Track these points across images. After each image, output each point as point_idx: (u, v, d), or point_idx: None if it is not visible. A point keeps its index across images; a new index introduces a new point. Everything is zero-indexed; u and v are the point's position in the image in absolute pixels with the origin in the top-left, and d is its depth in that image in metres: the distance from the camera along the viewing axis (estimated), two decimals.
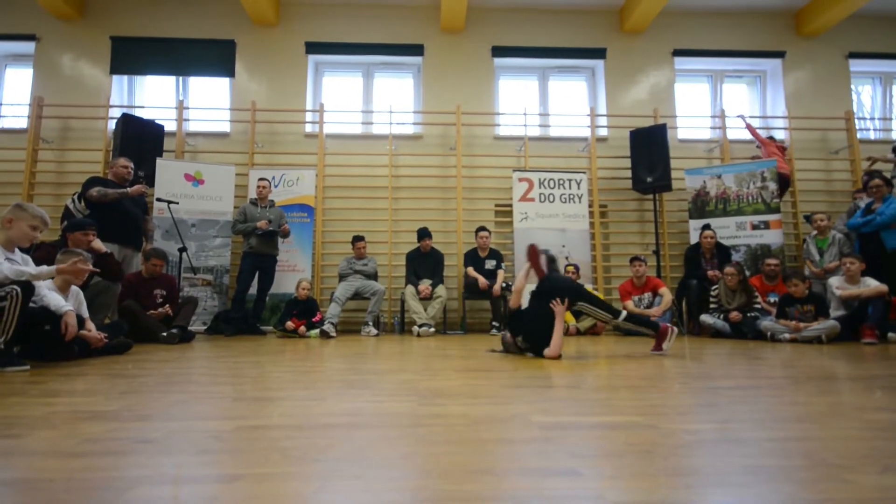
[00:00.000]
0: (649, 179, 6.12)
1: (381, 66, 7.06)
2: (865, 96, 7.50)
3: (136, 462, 0.99)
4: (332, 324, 4.91)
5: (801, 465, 0.98)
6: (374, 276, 5.56)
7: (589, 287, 4.66)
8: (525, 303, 3.32)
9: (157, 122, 5.98)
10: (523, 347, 3.10)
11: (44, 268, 2.62)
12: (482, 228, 5.74)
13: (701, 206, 6.19)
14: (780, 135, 6.88)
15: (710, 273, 5.22)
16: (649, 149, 6.17)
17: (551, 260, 3.36)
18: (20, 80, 6.83)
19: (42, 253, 3.26)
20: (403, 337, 5.08)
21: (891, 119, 7.34)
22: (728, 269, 4.79)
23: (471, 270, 5.58)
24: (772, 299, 4.89)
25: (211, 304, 5.58)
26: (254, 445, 1.12)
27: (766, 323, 4.37)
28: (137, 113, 6.31)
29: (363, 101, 7.04)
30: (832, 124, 6.82)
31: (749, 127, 6.38)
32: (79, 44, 6.58)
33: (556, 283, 3.17)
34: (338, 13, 6.81)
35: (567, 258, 5.86)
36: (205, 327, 5.26)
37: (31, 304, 2.52)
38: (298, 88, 6.73)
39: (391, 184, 6.39)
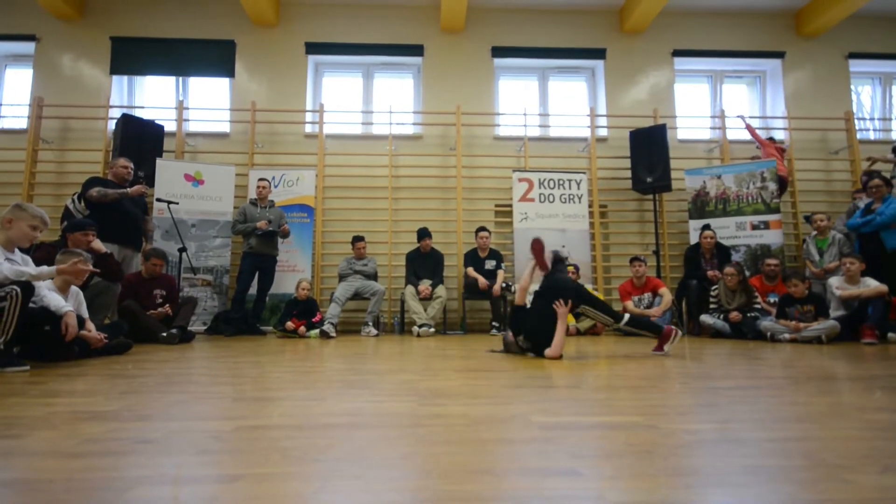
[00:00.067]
0: (649, 180, 6.12)
1: (381, 67, 7.07)
2: (865, 96, 7.51)
3: (136, 462, 0.99)
4: (332, 324, 4.91)
5: (801, 465, 0.98)
6: (373, 277, 5.56)
7: (589, 287, 4.66)
8: (528, 302, 3.32)
9: (156, 122, 5.98)
10: (524, 347, 3.10)
11: (44, 268, 2.62)
12: (482, 228, 5.74)
13: (701, 206, 6.19)
14: (779, 135, 6.88)
15: (709, 273, 5.22)
16: (649, 149, 6.17)
17: (559, 260, 3.37)
18: (20, 81, 6.83)
19: (42, 253, 3.26)
20: (403, 337, 5.08)
21: (890, 119, 7.35)
22: (728, 270, 4.79)
23: (471, 271, 5.58)
24: (772, 299, 4.89)
25: (211, 305, 5.58)
26: (254, 445, 1.11)
27: (766, 323, 4.37)
28: (137, 113, 6.31)
29: (363, 102, 7.04)
30: (832, 124, 6.82)
31: (749, 127, 6.38)
32: (79, 44, 6.58)
33: (559, 284, 3.16)
34: (338, 13, 6.81)
35: (567, 258, 5.85)
36: (205, 327, 5.26)
37: (31, 305, 2.52)
38: (298, 89, 6.74)
39: (391, 184, 6.39)
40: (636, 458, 1.02)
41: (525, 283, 3.34)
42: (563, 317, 2.96)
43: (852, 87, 7.11)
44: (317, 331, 4.85)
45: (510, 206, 6.21)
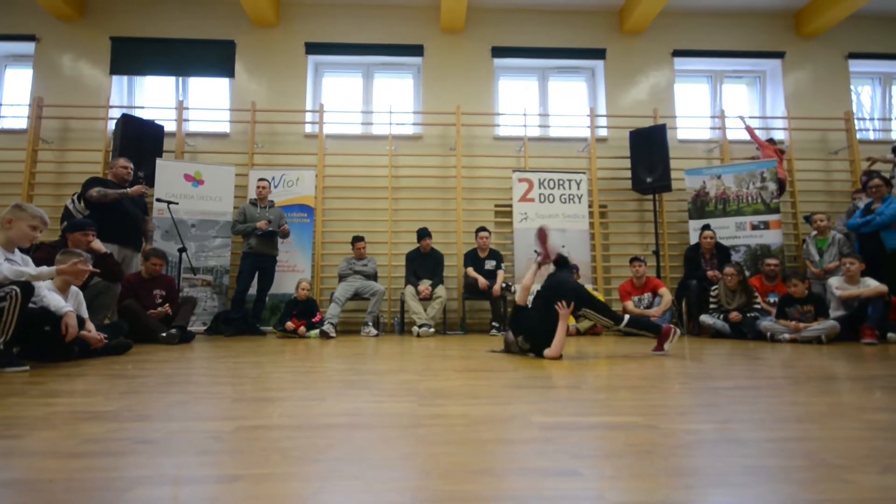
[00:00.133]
0: (649, 180, 6.12)
1: (381, 67, 7.07)
2: (865, 97, 7.51)
3: (136, 462, 0.99)
4: (332, 324, 4.91)
5: (801, 465, 0.98)
6: (373, 277, 5.56)
7: (589, 287, 4.66)
8: (530, 303, 3.32)
9: (156, 122, 5.98)
10: (524, 347, 3.10)
11: (43, 268, 2.62)
12: (482, 229, 5.74)
13: (700, 206, 6.20)
14: (779, 135, 6.89)
15: (709, 273, 5.22)
16: (649, 149, 6.17)
17: (564, 262, 3.38)
18: (20, 81, 6.83)
19: (42, 253, 3.26)
20: (403, 337, 5.08)
21: (890, 119, 7.35)
22: (728, 270, 4.79)
23: (470, 271, 5.58)
24: (771, 299, 4.89)
25: (211, 305, 5.58)
26: (254, 446, 1.11)
27: (766, 323, 4.37)
28: (137, 113, 6.31)
29: (363, 102, 7.04)
30: (832, 125, 6.82)
31: (749, 129, 6.38)
32: (79, 44, 6.58)
33: (561, 285, 3.16)
34: (338, 13, 6.81)
35: (568, 258, 5.85)
36: (205, 328, 5.26)
37: (31, 305, 2.52)
38: (298, 89, 6.74)
39: (391, 184, 6.39)
40: (636, 458, 1.02)
41: (528, 282, 3.34)
42: (565, 318, 2.96)
43: (852, 87, 7.11)
44: (317, 331, 4.85)
45: (510, 206, 6.21)
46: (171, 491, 0.85)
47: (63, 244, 3.59)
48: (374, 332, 5.20)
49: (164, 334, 3.91)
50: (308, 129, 6.64)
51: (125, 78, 6.81)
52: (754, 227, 5.92)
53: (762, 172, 5.95)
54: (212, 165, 6.01)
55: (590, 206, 6.30)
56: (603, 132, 6.90)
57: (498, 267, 5.62)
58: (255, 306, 5.34)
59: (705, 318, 4.88)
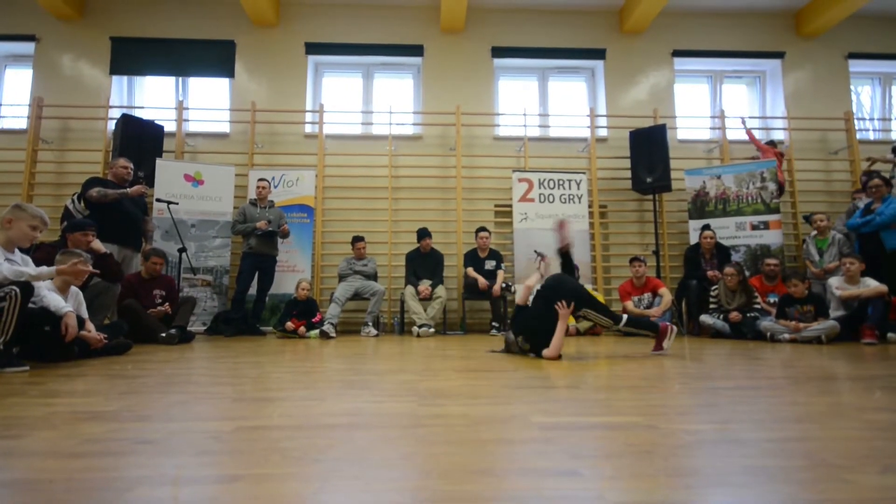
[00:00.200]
0: (649, 180, 6.12)
1: (381, 67, 7.07)
2: (865, 97, 7.51)
3: (136, 463, 0.99)
4: (332, 324, 4.91)
5: (801, 465, 0.98)
6: (373, 277, 5.56)
7: (589, 287, 4.66)
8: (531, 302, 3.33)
9: (156, 122, 5.98)
10: (525, 348, 3.10)
11: (43, 268, 2.62)
12: (482, 229, 5.74)
13: (700, 206, 6.20)
14: (779, 135, 6.89)
15: (709, 273, 5.22)
16: (649, 149, 6.17)
17: (568, 261, 3.40)
18: (20, 81, 6.83)
19: (42, 253, 3.26)
20: (403, 337, 5.08)
21: (890, 119, 7.35)
22: (728, 270, 4.79)
23: (470, 271, 5.58)
24: (771, 300, 4.89)
25: (210, 305, 5.58)
26: (254, 446, 1.11)
27: (766, 323, 4.37)
28: (137, 113, 6.32)
29: (363, 102, 7.04)
30: (832, 125, 6.82)
31: (749, 133, 6.37)
32: (79, 44, 6.58)
33: (561, 285, 3.15)
34: (338, 13, 6.81)
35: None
36: (204, 328, 5.26)
37: (30, 305, 2.52)
38: (298, 89, 6.74)
39: (391, 184, 6.39)
40: (636, 458, 1.02)
41: (532, 282, 3.36)
42: (565, 318, 2.95)
43: (852, 87, 7.11)
44: (317, 331, 4.84)
45: (510, 206, 6.21)
46: (171, 491, 0.85)
47: (63, 244, 3.59)
48: (374, 332, 5.20)
49: (163, 334, 3.91)
50: (308, 129, 6.64)
51: (125, 78, 6.81)
52: (754, 227, 5.92)
53: (762, 172, 5.95)
54: (212, 165, 6.01)
55: (590, 207, 6.30)
56: (603, 132, 6.90)
57: (498, 267, 5.62)
58: (255, 306, 5.34)
59: (705, 318, 4.88)
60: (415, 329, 5.11)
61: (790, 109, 6.87)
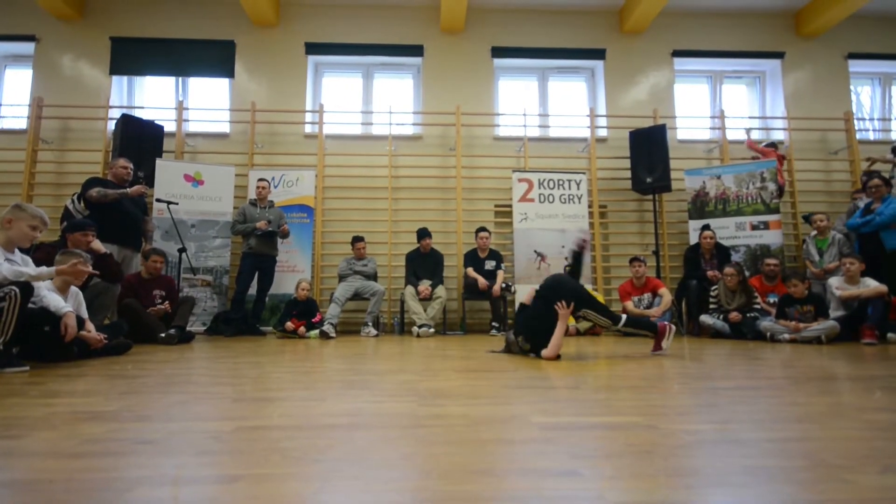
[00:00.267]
0: (649, 180, 6.12)
1: (381, 67, 7.07)
2: (865, 97, 7.51)
3: (136, 463, 0.99)
4: (332, 324, 4.91)
5: (801, 465, 0.98)
6: (373, 277, 5.56)
7: (589, 287, 4.66)
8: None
9: (156, 122, 5.98)
10: (525, 348, 3.10)
11: (43, 269, 2.62)
12: (482, 229, 5.74)
13: (700, 206, 6.20)
14: (779, 136, 6.88)
15: (709, 273, 5.22)
16: (649, 149, 6.17)
17: (577, 262, 3.40)
18: (20, 81, 6.83)
19: (42, 253, 3.26)
20: (403, 337, 5.08)
21: (890, 120, 7.35)
22: (727, 270, 4.79)
23: (470, 271, 5.58)
24: (771, 300, 4.89)
25: (210, 305, 5.58)
26: (254, 446, 1.11)
27: (766, 323, 4.37)
28: (137, 113, 6.31)
29: (363, 102, 7.04)
30: (831, 125, 6.82)
31: (751, 145, 6.34)
32: (78, 44, 6.58)
33: (561, 285, 3.15)
34: (338, 13, 6.81)
35: (567, 259, 5.87)
36: (204, 328, 5.26)
37: (30, 305, 2.52)
38: (298, 89, 6.74)
39: (391, 184, 6.39)
40: (636, 458, 1.02)
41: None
42: (565, 319, 2.95)
43: (852, 87, 7.11)
44: (316, 331, 4.84)
45: (510, 206, 6.21)
46: (171, 491, 0.85)
47: (63, 244, 3.59)
48: (374, 332, 5.20)
49: (162, 335, 3.91)
50: (308, 129, 6.64)
51: (125, 78, 6.81)
52: (754, 228, 5.92)
53: (762, 173, 5.96)
54: (212, 166, 6.01)
55: (590, 207, 6.30)
56: (603, 132, 6.90)
57: (498, 267, 5.62)
58: (255, 306, 5.34)
59: (705, 319, 4.88)
60: (415, 329, 5.10)
61: (790, 109, 6.87)
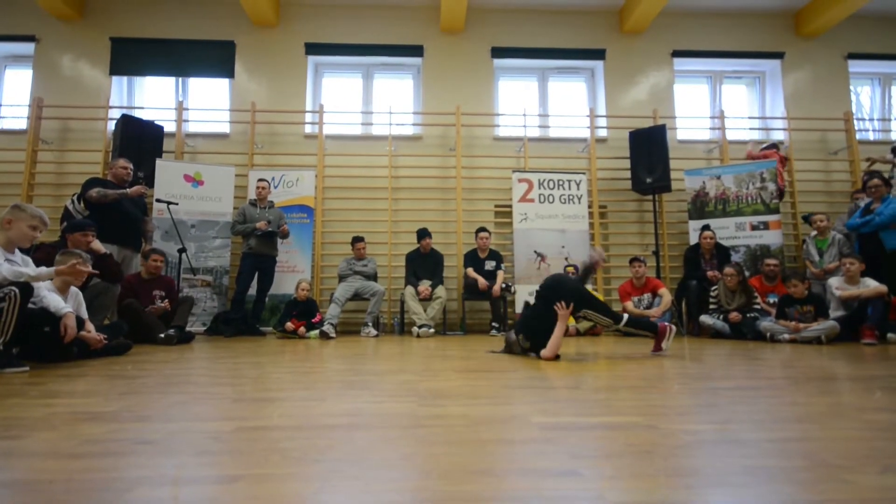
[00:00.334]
0: (649, 180, 6.12)
1: (381, 67, 7.07)
2: (864, 97, 7.51)
3: (136, 463, 0.99)
4: (332, 325, 4.91)
5: (801, 465, 0.98)
6: (373, 277, 5.56)
7: (589, 288, 4.66)
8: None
9: (156, 122, 5.98)
10: (525, 346, 3.10)
11: (43, 269, 2.62)
12: (482, 229, 5.74)
13: (700, 206, 6.20)
14: (779, 136, 6.88)
15: (709, 274, 5.22)
16: (649, 149, 6.17)
17: (587, 272, 3.41)
18: (20, 81, 6.83)
19: (41, 254, 3.26)
20: (403, 338, 5.08)
21: (890, 120, 7.35)
22: (727, 270, 4.79)
23: (470, 271, 5.58)
24: (771, 300, 4.89)
25: (210, 305, 5.58)
26: (254, 446, 1.11)
27: (766, 323, 4.37)
28: (137, 114, 6.32)
29: (363, 102, 7.04)
30: (831, 125, 6.82)
31: (751, 154, 6.33)
32: (78, 44, 6.58)
33: (561, 285, 3.15)
34: (338, 14, 6.81)
35: (567, 259, 5.87)
36: (204, 328, 5.26)
37: (30, 306, 2.52)
38: (298, 89, 6.74)
39: (391, 184, 6.39)
40: (636, 458, 1.02)
41: None
42: (564, 319, 2.95)
43: (851, 87, 7.11)
44: (316, 331, 4.84)
45: (510, 206, 6.21)
46: (171, 491, 0.85)
47: (63, 244, 3.59)
48: (374, 332, 5.20)
49: (161, 335, 3.91)
50: (308, 129, 6.64)
51: (125, 78, 6.81)
52: (754, 228, 5.92)
53: (762, 173, 5.96)
54: (211, 166, 6.01)
55: (589, 207, 6.30)
56: (603, 132, 6.90)
57: (498, 267, 5.62)
58: (255, 307, 5.34)
59: (705, 319, 4.88)
60: (415, 329, 5.10)
61: (790, 110, 6.87)
